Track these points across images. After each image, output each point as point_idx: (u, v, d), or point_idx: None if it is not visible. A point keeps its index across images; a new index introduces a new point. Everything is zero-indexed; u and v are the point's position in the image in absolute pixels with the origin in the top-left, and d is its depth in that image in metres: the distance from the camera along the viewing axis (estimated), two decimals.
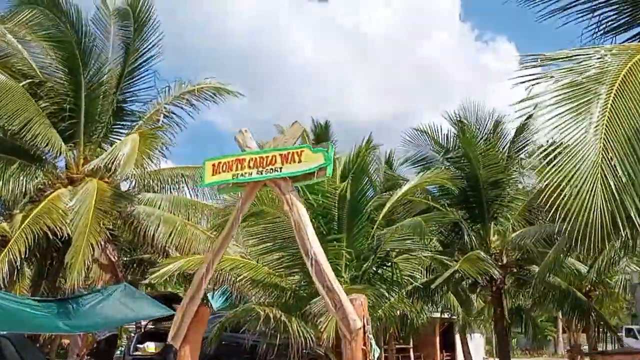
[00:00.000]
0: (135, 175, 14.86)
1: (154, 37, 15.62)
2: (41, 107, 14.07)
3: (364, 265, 10.31)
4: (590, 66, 5.59)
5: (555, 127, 5.13)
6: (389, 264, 10.44)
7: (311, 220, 9.93)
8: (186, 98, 16.38)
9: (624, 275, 15.65)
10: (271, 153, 6.32)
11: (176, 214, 15.11)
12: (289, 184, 6.28)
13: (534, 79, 5.53)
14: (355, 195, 10.17)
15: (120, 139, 15.16)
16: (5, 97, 12.98)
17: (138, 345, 13.30)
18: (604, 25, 8.15)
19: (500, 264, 13.83)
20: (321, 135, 21.63)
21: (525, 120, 14.31)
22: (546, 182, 5.07)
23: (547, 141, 5.19)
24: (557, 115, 5.20)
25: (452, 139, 14.47)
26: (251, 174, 6.28)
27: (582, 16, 8.28)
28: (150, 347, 13.07)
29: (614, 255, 13.23)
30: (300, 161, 6.19)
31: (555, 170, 5.08)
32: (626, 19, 8.09)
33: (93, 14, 15.18)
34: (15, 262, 11.80)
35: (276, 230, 10.14)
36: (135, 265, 18.34)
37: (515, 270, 14.44)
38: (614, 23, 8.06)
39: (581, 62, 5.67)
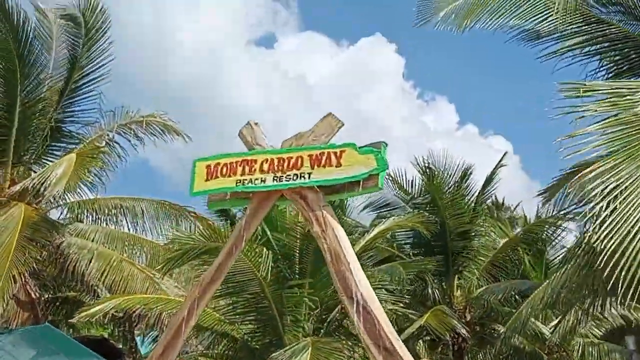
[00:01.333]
0: (67, 202, 13.29)
1: (104, 55, 14.38)
2: None
3: (329, 316, 9.19)
4: (636, 102, 4.95)
5: (610, 176, 4.40)
6: None
7: (272, 264, 8.92)
8: (132, 128, 15.08)
9: (582, 339, 15.09)
10: (295, 153, 4.73)
11: (112, 248, 13.55)
12: (321, 196, 4.74)
13: (573, 111, 4.83)
14: None
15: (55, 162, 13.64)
16: None
17: None
18: (606, 70, 7.72)
19: (463, 320, 12.97)
20: None
21: (495, 170, 14.12)
22: (599, 243, 4.29)
23: (600, 190, 4.37)
24: (609, 158, 4.48)
25: (417, 186, 13.76)
26: (264, 180, 4.76)
27: (582, 59, 7.86)
28: None
29: (579, 317, 12.65)
30: (339, 165, 4.63)
31: (609, 230, 4.38)
32: (628, 65, 7.65)
33: (36, 19, 13.77)
34: None
35: (232, 270, 8.86)
36: (58, 304, 16.36)
37: (478, 329, 13.61)
38: (619, 68, 7.59)
39: (625, 96, 5.03)
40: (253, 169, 4.85)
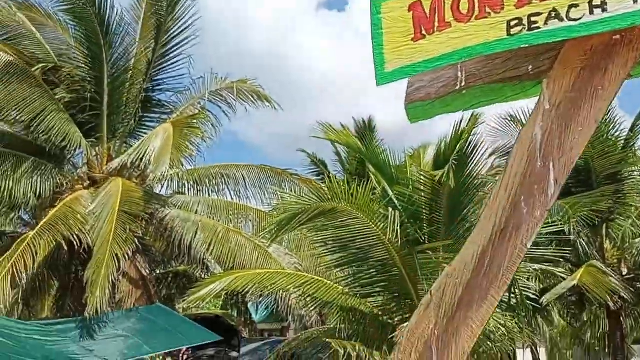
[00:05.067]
0: (168, 175, 12.60)
1: (188, 15, 13.39)
2: (57, 96, 11.95)
3: None
4: None
5: None
6: None
7: (399, 226, 7.57)
8: (224, 95, 14.20)
9: None
10: None
11: (216, 219, 12.78)
12: None
13: None
14: (459, 187, 7.59)
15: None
16: (13, 81, 10.84)
17: None
18: None
19: (618, 276, 11.00)
20: (366, 133, 19.30)
21: None
22: None
23: None
24: None
25: None
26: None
27: None
28: None
29: None
30: None
31: None
32: None
33: None
34: (21, 279, 9.56)
35: (352, 235, 7.62)
36: (169, 279, 16.09)
37: (638, 285, 11.51)
38: None
39: None
40: None
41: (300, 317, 12.69)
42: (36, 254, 9.73)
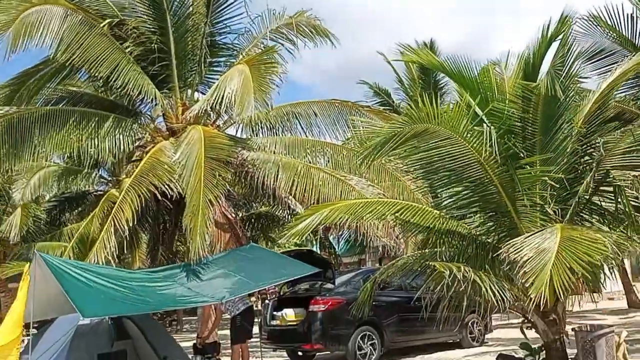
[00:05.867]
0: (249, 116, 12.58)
1: None
2: (126, 50, 12.05)
3: (576, 191, 7.41)
4: None
5: None
6: (611, 188, 7.45)
7: (494, 142, 7.30)
8: (284, 32, 13.93)
9: None
10: None
11: (294, 157, 12.82)
12: None
13: None
14: (556, 95, 7.17)
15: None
16: (86, 38, 10.97)
17: (275, 314, 11.34)
18: None
19: None
20: None
21: None
22: None
23: None
24: None
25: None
26: None
27: None
28: (289, 314, 11.07)
29: None
30: None
31: None
32: None
33: None
34: (123, 231, 9.95)
35: (444, 156, 7.37)
36: (253, 220, 16.50)
37: None
38: None
39: None
40: None
41: (384, 247, 12.71)
42: (132, 205, 10.06)
